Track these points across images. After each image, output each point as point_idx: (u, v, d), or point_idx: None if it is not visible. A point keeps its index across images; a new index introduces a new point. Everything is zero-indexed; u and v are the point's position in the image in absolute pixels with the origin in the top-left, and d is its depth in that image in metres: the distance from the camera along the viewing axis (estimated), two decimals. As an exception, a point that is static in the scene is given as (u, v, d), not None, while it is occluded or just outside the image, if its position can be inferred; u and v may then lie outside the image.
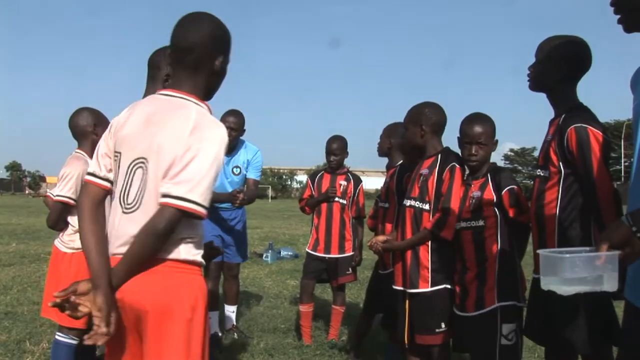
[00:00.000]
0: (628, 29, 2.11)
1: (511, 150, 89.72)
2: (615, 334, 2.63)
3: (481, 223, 3.11)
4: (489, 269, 3.03)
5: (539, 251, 1.94)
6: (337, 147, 5.25)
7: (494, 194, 3.10)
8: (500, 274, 3.01)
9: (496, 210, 3.09)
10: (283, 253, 11.58)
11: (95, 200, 2.05)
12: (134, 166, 2.00)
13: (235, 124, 5.06)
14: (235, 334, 5.41)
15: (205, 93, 2.14)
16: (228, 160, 5.20)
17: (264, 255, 11.15)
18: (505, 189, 3.08)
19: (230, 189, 5.06)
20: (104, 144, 2.11)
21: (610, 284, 1.77)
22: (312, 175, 5.57)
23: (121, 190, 2.01)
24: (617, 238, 1.69)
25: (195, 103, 2.05)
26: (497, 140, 3.26)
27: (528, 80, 2.90)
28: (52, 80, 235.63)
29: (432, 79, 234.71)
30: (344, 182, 5.29)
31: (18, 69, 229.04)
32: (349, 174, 5.38)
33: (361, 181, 5.43)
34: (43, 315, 3.36)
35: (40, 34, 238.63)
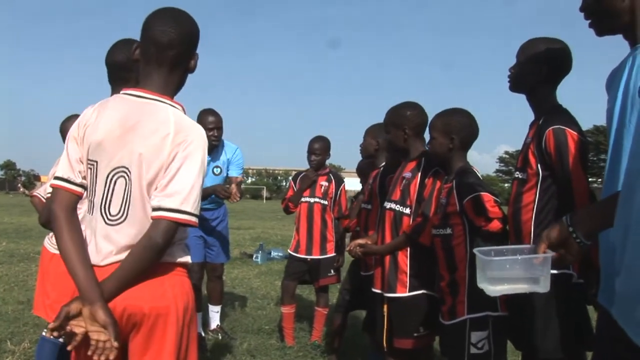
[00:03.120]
0: (599, 33, 2.13)
1: (506, 152, 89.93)
2: (588, 338, 2.64)
3: (449, 231, 2.98)
4: (460, 279, 2.92)
5: (474, 250, 1.94)
6: (318, 147, 5.24)
7: (457, 202, 2.95)
8: (471, 284, 2.82)
9: (464, 218, 2.94)
10: (273, 254, 11.55)
11: (70, 207, 1.95)
12: (114, 175, 1.94)
13: (216, 122, 5.01)
14: (219, 334, 5.40)
15: (175, 91, 2.09)
16: (208, 161, 5.15)
17: (254, 256, 11.14)
18: (468, 198, 2.90)
19: None
20: (77, 148, 2.00)
21: (543, 285, 1.79)
22: (295, 176, 5.56)
23: (102, 201, 1.95)
24: (555, 238, 1.69)
25: (170, 105, 2.00)
26: (452, 137, 3.05)
27: (508, 81, 2.89)
28: (48, 79, 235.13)
29: (425, 80, 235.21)
30: (325, 183, 5.28)
31: (13, 67, 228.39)
32: (330, 175, 5.36)
33: (343, 181, 5.42)
34: (35, 313, 3.39)
35: (37, 33, 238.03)
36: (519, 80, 2.85)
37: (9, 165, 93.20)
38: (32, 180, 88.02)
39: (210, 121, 4.97)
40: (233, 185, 4.89)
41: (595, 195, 2.66)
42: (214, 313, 5.52)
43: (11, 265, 9.52)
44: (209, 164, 5.13)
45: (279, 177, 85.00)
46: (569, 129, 2.61)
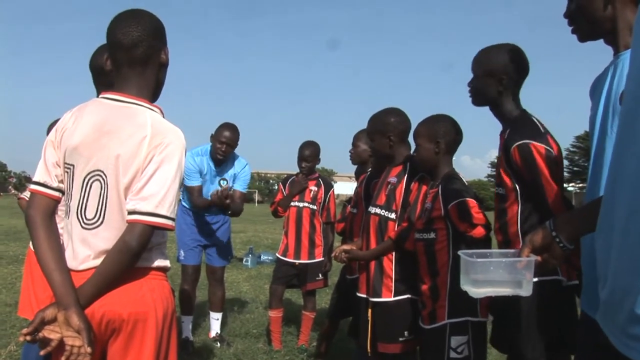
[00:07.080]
0: (581, 39, 2.16)
1: (497, 157, 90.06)
2: (573, 343, 2.65)
3: (432, 236, 2.97)
4: (441, 284, 2.92)
5: (458, 252, 1.95)
6: (309, 154, 5.26)
7: (442, 207, 2.93)
8: (452, 289, 2.86)
9: (448, 223, 2.94)
10: (263, 257, 11.55)
11: (47, 212, 1.95)
12: (89, 179, 1.93)
13: (230, 140, 5.05)
14: (218, 342, 5.31)
15: (155, 91, 2.08)
16: (216, 173, 5.21)
17: (244, 260, 11.14)
18: (452, 203, 2.89)
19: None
20: (53, 152, 2.00)
21: (526, 289, 1.80)
22: (284, 180, 5.58)
23: (78, 205, 1.94)
24: (538, 242, 1.70)
25: (148, 108, 1.99)
26: (438, 142, 3.05)
27: (470, 96, 2.84)
28: (39, 79, 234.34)
29: (413, 84, 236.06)
30: (314, 188, 5.30)
31: (3, 68, 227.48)
32: (319, 179, 5.38)
33: (332, 186, 5.45)
34: (20, 315, 3.38)
35: (25, 33, 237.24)
36: (481, 94, 2.80)
37: (0, 167, 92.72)
38: (24, 182, 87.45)
39: (225, 135, 5.02)
40: (225, 187, 4.98)
41: (571, 202, 2.67)
42: (214, 320, 5.45)
43: (0, 267, 9.46)
44: (215, 175, 5.18)
45: (270, 181, 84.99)
46: (534, 142, 2.58)
